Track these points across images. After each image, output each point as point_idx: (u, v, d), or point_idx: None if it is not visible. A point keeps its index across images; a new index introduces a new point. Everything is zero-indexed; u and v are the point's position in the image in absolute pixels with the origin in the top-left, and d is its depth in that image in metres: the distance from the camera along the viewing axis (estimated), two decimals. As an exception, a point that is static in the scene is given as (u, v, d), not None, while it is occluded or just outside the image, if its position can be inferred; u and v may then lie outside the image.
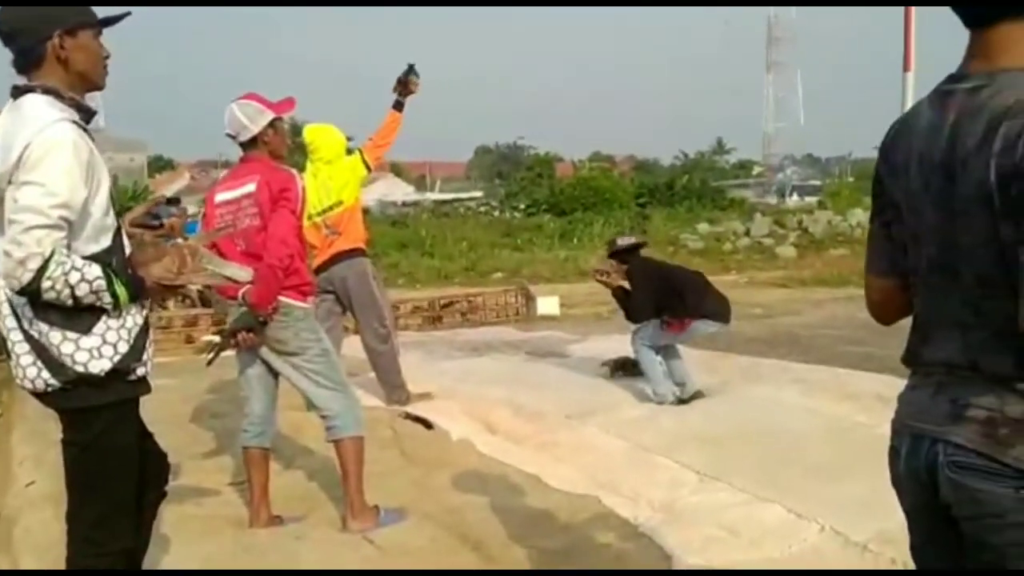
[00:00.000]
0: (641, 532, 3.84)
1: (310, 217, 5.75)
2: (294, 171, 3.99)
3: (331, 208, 5.94)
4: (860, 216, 21.45)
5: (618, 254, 6.19)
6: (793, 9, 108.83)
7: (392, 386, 6.16)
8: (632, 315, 6.20)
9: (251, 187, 3.85)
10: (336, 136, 6.19)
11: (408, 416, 5.84)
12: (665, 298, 5.96)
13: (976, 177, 1.51)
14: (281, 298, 3.83)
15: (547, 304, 11.74)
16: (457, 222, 28.36)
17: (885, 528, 3.36)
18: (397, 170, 47.22)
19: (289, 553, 3.64)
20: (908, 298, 1.75)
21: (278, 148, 4.02)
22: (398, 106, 6.19)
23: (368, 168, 6.15)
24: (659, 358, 6.01)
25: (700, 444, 4.90)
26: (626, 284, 6.10)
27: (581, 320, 11.25)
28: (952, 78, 1.62)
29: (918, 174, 1.64)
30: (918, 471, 1.65)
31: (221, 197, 3.98)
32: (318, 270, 5.76)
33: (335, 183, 5.96)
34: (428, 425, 5.63)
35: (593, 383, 6.62)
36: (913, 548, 1.80)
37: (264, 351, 3.94)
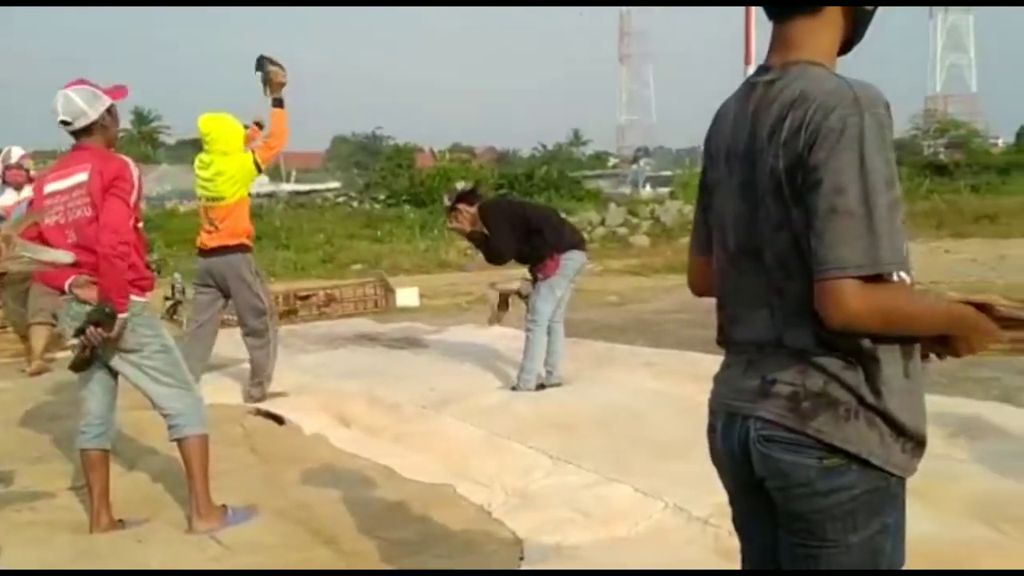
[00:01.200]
0: (495, 517, 3.89)
1: (198, 199, 6.01)
2: (128, 159, 3.82)
3: (214, 201, 5.90)
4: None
5: (464, 198, 6.06)
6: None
7: (254, 383, 6.09)
8: (495, 256, 6.20)
9: (83, 176, 3.67)
10: (233, 126, 6.07)
11: (259, 412, 5.72)
12: (524, 235, 5.97)
13: (769, 166, 1.60)
14: None
15: (406, 296, 11.69)
16: (314, 213, 27.87)
17: (725, 502, 3.49)
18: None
19: (131, 556, 3.50)
20: None
21: (112, 136, 3.86)
22: (277, 103, 6.11)
23: (259, 168, 6.08)
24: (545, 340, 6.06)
25: (554, 429, 4.98)
26: (482, 228, 6.07)
27: (442, 311, 11.26)
28: (757, 71, 1.72)
29: (726, 163, 1.73)
30: (733, 447, 1.73)
31: (51, 187, 3.77)
32: (200, 255, 5.99)
33: (223, 177, 5.90)
34: (280, 421, 5.52)
35: (450, 373, 6.64)
36: (735, 523, 1.88)
37: (101, 348, 3.76)
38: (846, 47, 1.72)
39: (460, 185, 6.50)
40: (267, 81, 6.07)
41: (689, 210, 23.37)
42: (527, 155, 59.56)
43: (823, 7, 1.66)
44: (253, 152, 6.05)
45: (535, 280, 6.11)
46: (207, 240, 5.94)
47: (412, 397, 5.79)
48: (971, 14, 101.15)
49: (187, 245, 21.04)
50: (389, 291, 11.68)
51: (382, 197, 31.02)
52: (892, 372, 1.58)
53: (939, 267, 13.23)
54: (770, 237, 1.62)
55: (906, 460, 1.62)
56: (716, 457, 1.81)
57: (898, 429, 1.59)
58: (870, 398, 1.57)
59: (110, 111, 3.80)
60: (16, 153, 7.58)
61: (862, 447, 1.57)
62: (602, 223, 22.70)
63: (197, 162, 6.05)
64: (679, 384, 5.86)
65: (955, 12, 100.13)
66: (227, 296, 6.05)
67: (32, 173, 7.22)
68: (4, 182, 7.48)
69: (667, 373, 6.21)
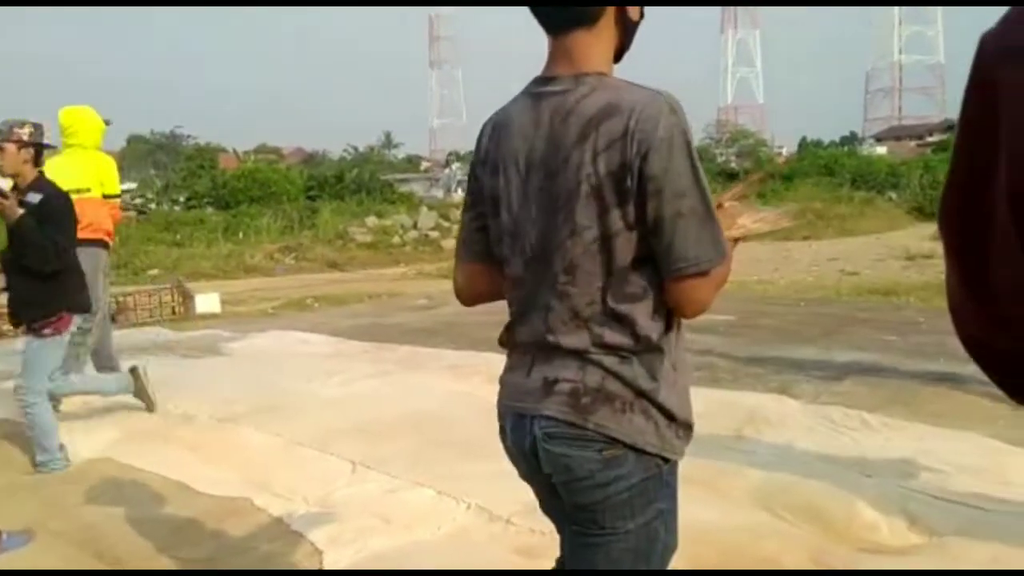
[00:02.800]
0: (293, 529, 3.79)
1: None
2: None
3: (79, 193, 5.60)
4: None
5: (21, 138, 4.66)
6: (452, 7, 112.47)
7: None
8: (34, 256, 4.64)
9: None
10: (95, 120, 5.91)
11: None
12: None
13: (577, 173, 1.64)
14: None
15: (206, 301, 11.22)
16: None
17: (526, 500, 3.55)
18: (37, 160, 42.77)
19: None
20: (492, 283, 1.89)
21: None
22: None
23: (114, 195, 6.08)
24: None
25: (357, 435, 4.92)
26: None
27: (244, 318, 10.89)
28: (541, 80, 1.75)
29: (518, 172, 1.75)
30: (522, 446, 1.77)
31: None
32: None
33: (88, 171, 5.82)
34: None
35: (250, 381, 6.42)
36: (542, 510, 1.95)
37: None
38: (618, 56, 1.79)
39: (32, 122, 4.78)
40: None
41: (499, 214, 23.71)
42: (337, 157, 58.59)
43: (598, 22, 1.71)
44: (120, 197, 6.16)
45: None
46: None
47: (208, 408, 5.57)
48: (758, 29, 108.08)
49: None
50: (188, 297, 11.18)
51: (182, 199, 29.71)
52: (667, 364, 1.70)
53: (732, 268, 14.02)
54: (562, 243, 1.68)
55: (680, 445, 1.74)
56: (510, 456, 1.87)
57: (671, 417, 1.70)
58: (646, 390, 1.67)
59: None
60: None
61: (638, 437, 1.67)
62: (414, 226, 22.67)
63: (56, 159, 5.76)
64: (483, 385, 5.90)
65: (744, 27, 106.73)
66: None
67: None
68: None
69: (472, 375, 6.26)
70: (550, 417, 1.70)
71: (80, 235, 5.60)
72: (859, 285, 11.67)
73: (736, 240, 1.84)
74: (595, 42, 1.72)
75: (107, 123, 6.10)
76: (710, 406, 5.18)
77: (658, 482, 1.72)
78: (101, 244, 5.91)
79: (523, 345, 1.80)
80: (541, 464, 1.74)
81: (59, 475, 4.54)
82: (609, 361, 1.67)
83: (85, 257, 5.69)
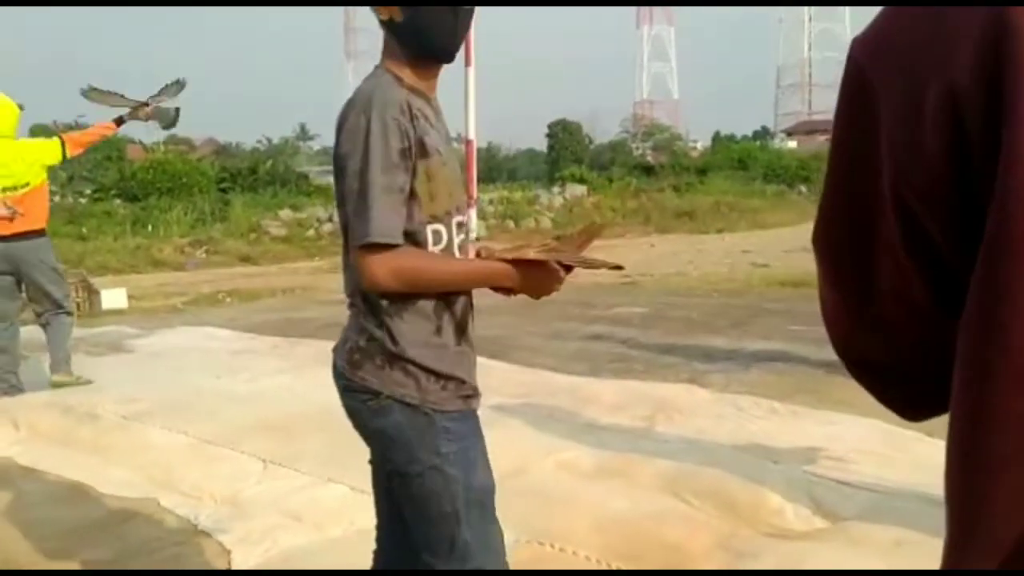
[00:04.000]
0: (201, 529, 3.70)
1: None
2: None
3: (15, 188, 5.64)
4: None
5: None
6: None
7: (64, 359, 6.17)
8: None
9: None
10: (10, 107, 5.70)
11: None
12: None
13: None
14: None
15: (112, 297, 10.88)
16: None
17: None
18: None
19: None
20: None
21: None
22: (119, 121, 6.15)
23: (64, 159, 6.03)
24: None
25: (267, 431, 4.83)
26: None
27: (152, 313, 10.60)
28: None
29: None
30: (340, 394, 2.02)
31: None
32: None
33: (21, 163, 5.69)
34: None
35: (157, 379, 6.25)
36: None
37: None
38: (427, 54, 1.92)
39: None
40: (141, 107, 6.09)
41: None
42: (250, 148, 57.51)
43: (378, 17, 1.91)
44: (63, 141, 6.00)
45: None
46: (6, 227, 5.63)
47: (112, 406, 5.40)
48: (673, 25, 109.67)
49: None
50: (92, 293, 10.83)
51: (88, 191, 28.73)
52: (417, 328, 1.89)
53: (646, 260, 14.23)
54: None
55: (448, 397, 1.92)
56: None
57: (434, 374, 1.90)
58: (396, 350, 1.87)
59: None
60: None
61: (396, 389, 1.88)
62: (330, 219, 22.38)
63: None
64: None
65: (659, 23, 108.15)
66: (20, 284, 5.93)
67: None
68: None
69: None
70: (338, 369, 1.99)
71: (32, 226, 5.78)
72: (770, 277, 11.95)
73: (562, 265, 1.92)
74: (385, 38, 1.95)
75: (20, 108, 5.89)
76: (622, 396, 5.25)
77: (435, 429, 1.90)
78: (45, 233, 6.03)
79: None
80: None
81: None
82: (371, 323, 1.90)
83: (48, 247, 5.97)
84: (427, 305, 1.89)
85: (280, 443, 4.65)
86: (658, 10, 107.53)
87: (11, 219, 5.61)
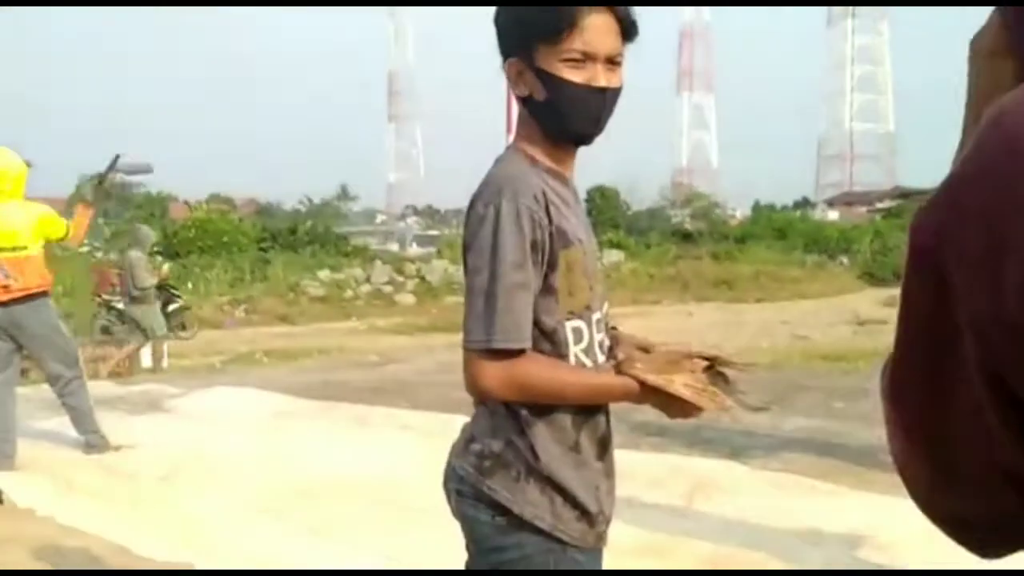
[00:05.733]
0: (319, 569, 3.70)
1: None
2: None
3: (14, 250, 5.45)
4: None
5: None
6: (412, 62, 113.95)
7: (91, 430, 5.82)
8: None
9: None
10: (14, 162, 5.54)
11: (-26, 487, 5.15)
12: None
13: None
14: None
15: (152, 355, 11.01)
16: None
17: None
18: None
19: None
20: None
21: None
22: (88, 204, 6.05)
23: (64, 237, 5.85)
24: None
25: (305, 497, 4.83)
26: None
27: (190, 372, 10.70)
28: None
29: None
30: (449, 498, 1.82)
31: None
32: None
33: (24, 227, 5.52)
34: (-2, 496, 4.99)
35: (193, 440, 6.28)
36: None
37: None
38: (567, 136, 1.76)
39: None
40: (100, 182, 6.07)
41: (455, 270, 23.77)
42: (291, 208, 58.39)
43: (514, 92, 1.75)
44: (68, 230, 5.86)
45: None
46: (4, 294, 5.48)
47: (151, 467, 5.43)
48: (713, 93, 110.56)
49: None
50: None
51: (132, 248, 29.27)
52: (556, 441, 1.69)
53: (684, 329, 14.16)
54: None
55: (583, 530, 1.72)
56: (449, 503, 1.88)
57: (570, 499, 1.70)
58: (536, 464, 1.68)
59: None
60: None
61: (527, 510, 1.68)
62: (367, 280, 22.58)
63: None
64: (436, 448, 5.83)
65: (699, 92, 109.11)
66: (20, 348, 5.71)
67: None
68: None
69: (423, 436, 6.19)
70: (459, 474, 1.76)
71: (31, 287, 5.57)
72: (810, 350, 11.82)
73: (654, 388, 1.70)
74: (520, 114, 1.80)
75: (28, 165, 5.74)
76: (661, 471, 5.18)
77: (559, 559, 1.71)
78: (46, 295, 5.82)
79: None
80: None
81: (-6, 536, 4.38)
82: (511, 428, 1.70)
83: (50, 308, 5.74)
84: (565, 417, 1.70)
85: (317, 509, 4.65)
86: (698, 78, 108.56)
87: (6, 286, 5.49)
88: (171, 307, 13.78)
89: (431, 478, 5.26)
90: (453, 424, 6.59)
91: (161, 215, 34.66)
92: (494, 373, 1.62)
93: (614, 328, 1.89)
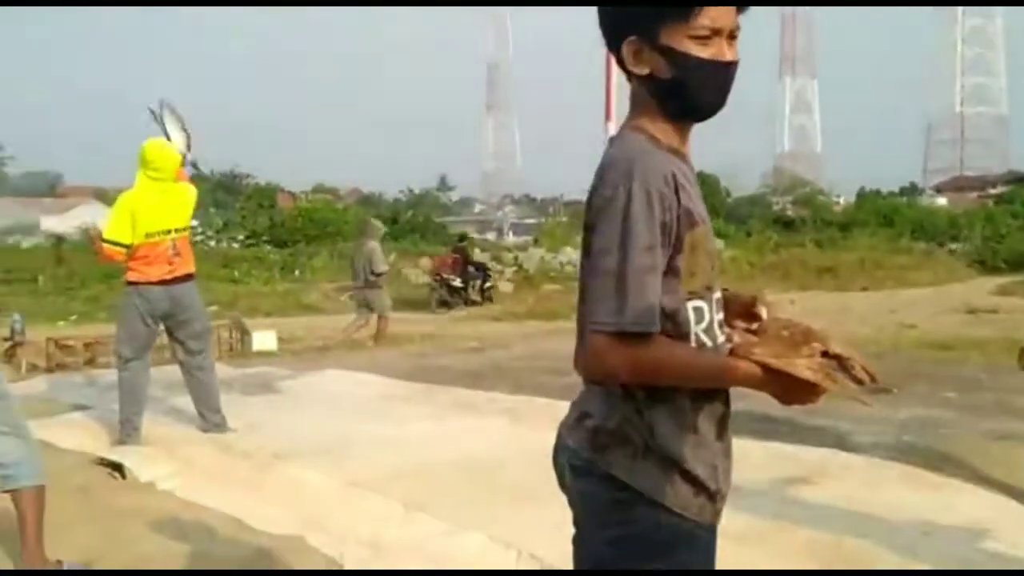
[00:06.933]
0: (346, 570, 3.82)
1: (149, 235, 5.72)
2: None
3: (180, 231, 5.87)
4: (571, 254, 22.69)
5: None
6: (511, 53, 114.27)
7: (213, 409, 6.08)
8: None
9: None
10: (175, 154, 5.98)
11: (101, 461, 5.44)
12: None
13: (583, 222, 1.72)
14: None
15: (263, 339, 11.37)
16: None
17: (574, 549, 3.56)
18: (101, 196, 43.86)
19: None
20: None
21: None
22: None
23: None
24: None
25: (407, 477, 4.94)
26: None
27: (300, 355, 11.03)
28: None
29: None
30: (561, 474, 1.83)
31: None
32: (156, 285, 5.77)
33: (184, 207, 5.96)
34: (121, 470, 5.27)
35: (305, 420, 6.50)
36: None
37: None
38: (693, 113, 1.74)
39: None
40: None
41: (551, 258, 23.80)
42: (392, 198, 59.32)
43: (632, 72, 1.72)
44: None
45: None
46: (169, 271, 5.81)
47: (264, 445, 5.64)
48: (816, 78, 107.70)
49: (28, 283, 20.11)
50: (245, 334, 11.36)
51: (241, 237, 30.25)
52: (675, 421, 1.68)
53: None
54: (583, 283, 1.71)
55: (700, 505, 1.71)
56: (559, 483, 1.88)
57: (688, 476, 1.68)
58: (653, 442, 1.66)
59: None
60: None
61: (647, 486, 1.67)
62: (466, 268, 22.81)
63: (149, 192, 5.82)
64: (536, 431, 5.90)
65: (801, 76, 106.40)
66: (165, 327, 6.02)
67: None
68: None
69: (525, 419, 6.26)
70: (573, 449, 1.75)
71: (190, 269, 5.95)
72: (918, 339, 11.46)
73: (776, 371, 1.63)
74: (633, 93, 1.76)
75: (182, 154, 6.14)
76: (764, 458, 5.13)
77: (677, 534, 1.69)
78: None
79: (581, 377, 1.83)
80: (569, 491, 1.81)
81: (120, 508, 4.63)
82: (628, 405, 1.68)
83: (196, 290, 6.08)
84: (683, 397, 1.68)
85: (421, 488, 4.75)
86: (800, 62, 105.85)
87: (171, 262, 5.81)
88: (487, 284, 18.66)
89: (532, 460, 5.33)
90: (552, 408, 6.68)
91: (269, 205, 35.65)
92: (622, 356, 1.59)
93: (725, 289, 1.85)
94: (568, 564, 3.54)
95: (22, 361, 9.71)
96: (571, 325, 2.01)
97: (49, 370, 9.46)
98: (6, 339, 10.16)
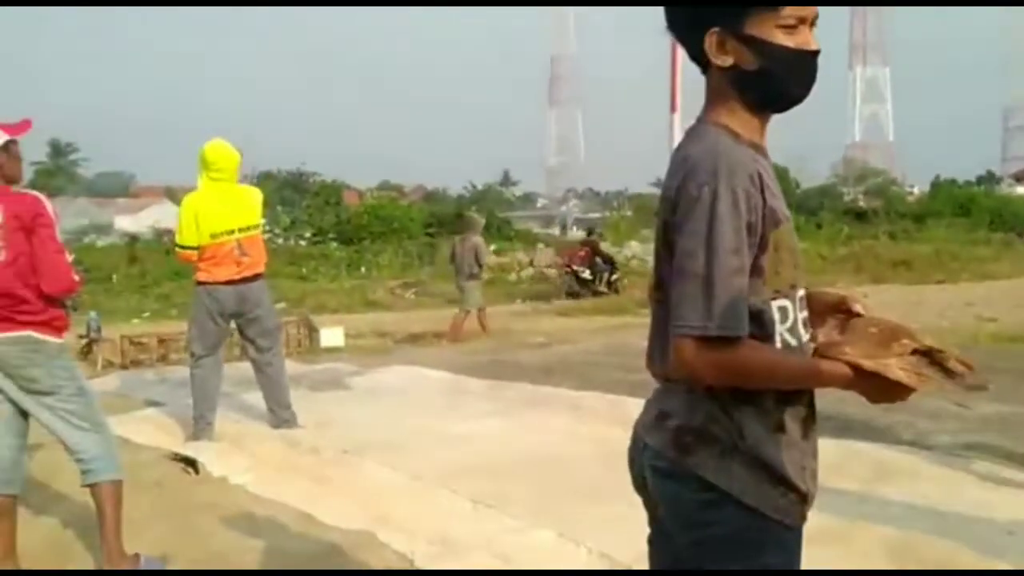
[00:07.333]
0: (416, 566, 3.82)
1: (215, 236, 5.79)
2: (38, 194, 3.71)
3: (248, 229, 5.93)
4: (635, 248, 22.57)
5: None
6: (574, 47, 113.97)
7: (284, 405, 6.18)
8: None
9: None
10: (236, 154, 6.07)
11: (175, 457, 5.55)
12: None
13: (660, 219, 1.71)
14: (32, 333, 3.57)
15: (331, 336, 11.51)
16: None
17: (646, 548, 3.51)
18: (172, 195, 44.87)
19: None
20: None
21: (14, 173, 3.71)
22: None
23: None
24: None
25: (476, 473, 4.94)
26: None
27: (366, 351, 11.13)
28: None
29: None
30: (638, 474, 1.80)
31: None
32: (224, 286, 5.85)
33: (251, 207, 6.02)
34: (195, 465, 5.36)
35: (373, 416, 6.56)
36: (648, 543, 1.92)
37: (12, 390, 3.63)
38: (777, 104, 1.72)
39: None
40: None
41: (616, 252, 23.67)
42: (456, 194, 59.60)
43: (710, 64, 1.69)
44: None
45: None
46: (237, 272, 5.89)
47: (333, 440, 5.70)
48: (888, 66, 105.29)
49: (103, 282, 20.67)
50: (313, 330, 11.51)
51: (308, 234, 30.68)
52: (761, 421, 1.65)
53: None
54: (667, 280, 1.68)
55: (787, 507, 1.68)
56: (634, 484, 1.86)
57: (776, 477, 1.66)
58: (741, 442, 1.64)
59: (6, 148, 3.65)
60: None
61: (734, 485, 1.64)
62: (531, 263, 22.84)
63: (211, 193, 5.92)
64: (604, 427, 5.86)
65: (873, 64, 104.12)
66: (236, 325, 6.13)
67: None
68: None
69: (592, 416, 6.22)
70: (656, 449, 1.73)
71: (258, 269, 6.03)
72: (998, 332, 11.10)
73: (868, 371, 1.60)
74: (711, 87, 1.73)
75: (240, 154, 6.23)
76: (841, 456, 5.00)
77: (765, 535, 1.67)
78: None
79: (654, 376, 1.81)
80: (650, 492, 1.78)
81: (194, 503, 4.71)
82: (714, 404, 1.66)
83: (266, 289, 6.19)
84: (768, 398, 1.66)
85: (489, 484, 4.74)
86: (871, 50, 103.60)
87: (239, 263, 5.87)
88: (613, 277, 18.87)
89: (598, 456, 5.31)
90: (621, 405, 6.62)
91: (336, 202, 36.08)
92: (709, 359, 1.57)
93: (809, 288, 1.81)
94: (640, 562, 3.50)
95: (98, 358, 9.97)
96: (638, 320, 1.98)
97: (124, 367, 9.71)
98: (83, 337, 10.44)
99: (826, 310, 1.81)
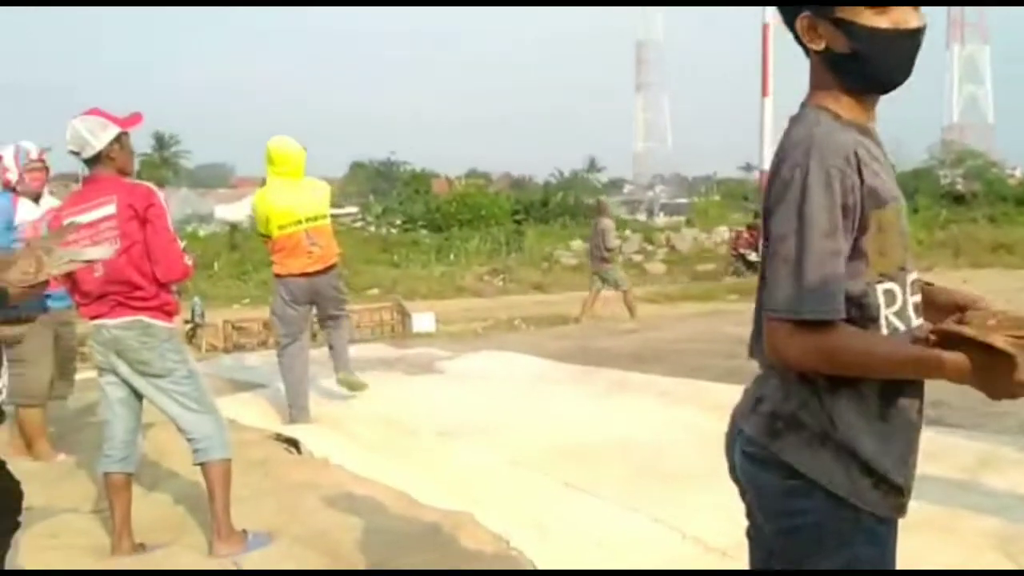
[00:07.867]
0: (512, 547, 3.89)
1: (282, 227, 5.99)
2: (151, 184, 3.88)
3: (315, 220, 6.09)
4: (725, 234, 22.25)
5: None
6: (661, 32, 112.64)
7: (343, 368, 6.50)
8: None
9: (110, 209, 3.69)
10: (299, 150, 6.24)
11: (278, 437, 5.75)
12: None
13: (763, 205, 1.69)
14: (144, 318, 3.74)
15: (423, 321, 11.72)
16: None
17: (742, 534, 3.50)
18: (266, 186, 46.00)
19: (152, 580, 3.53)
20: None
21: (126, 165, 3.87)
22: None
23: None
24: None
25: (569, 457, 4.99)
26: None
27: (457, 337, 11.29)
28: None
29: None
30: (733, 458, 1.79)
31: (73, 221, 3.68)
32: (298, 278, 6.03)
33: (317, 199, 6.19)
34: (297, 445, 5.54)
35: (468, 399, 6.66)
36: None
37: (127, 373, 3.82)
38: (876, 86, 1.68)
39: None
40: None
41: (705, 238, 23.42)
42: (543, 181, 59.59)
43: (810, 48, 1.67)
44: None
45: None
46: (310, 263, 6.08)
47: (429, 423, 5.82)
48: (988, 45, 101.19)
49: (206, 269, 21.34)
50: (405, 316, 11.72)
51: (398, 222, 31.12)
52: (857, 410, 1.61)
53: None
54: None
55: (878, 498, 1.64)
56: (730, 471, 1.85)
57: (869, 467, 1.62)
58: (832, 430, 1.61)
59: (119, 140, 3.80)
60: (32, 150, 5.46)
61: (822, 474, 1.61)
62: (619, 250, 22.71)
63: (277, 188, 6.12)
64: (694, 414, 5.85)
65: (972, 43, 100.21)
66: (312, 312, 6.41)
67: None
68: (14, 190, 5.39)
69: (682, 402, 6.20)
70: (747, 435, 1.71)
71: (331, 262, 6.19)
72: (1109, 319, 10.63)
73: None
74: (813, 70, 1.71)
75: (304, 150, 6.38)
76: (943, 445, 4.90)
77: (854, 526, 1.63)
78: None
79: (756, 361, 1.79)
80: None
81: (295, 481, 4.87)
82: (806, 391, 1.63)
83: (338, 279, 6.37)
84: (868, 385, 1.61)
85: (581, 469, 4.79)
86: (970, 27, 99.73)
87: (310, 253, 6.02)
88: None
89: (689, 442, 5.30)
90: (710, 391, 6.58)
91: (425, 191, 36.52)
92: (801, 344, 1.54)
93: (928, 284, 1.78)
94: (735, 549, 3.50)
95: (202, 342, 10.35)
96: (727, 307, 1.98)
97: (226, 350, 10.06)
98: (188, 322, 10.84)
99: (953, 308, 1.72)
